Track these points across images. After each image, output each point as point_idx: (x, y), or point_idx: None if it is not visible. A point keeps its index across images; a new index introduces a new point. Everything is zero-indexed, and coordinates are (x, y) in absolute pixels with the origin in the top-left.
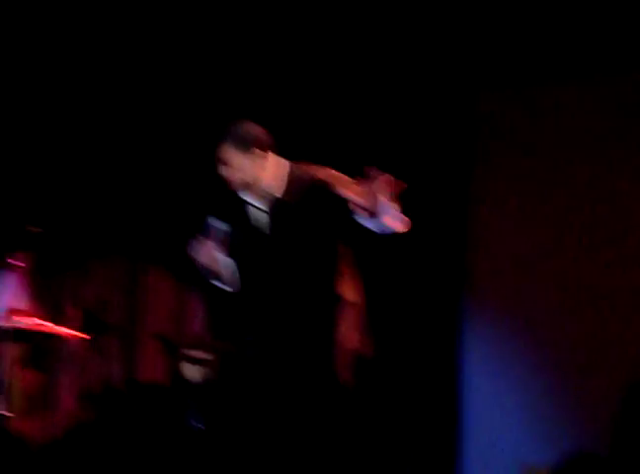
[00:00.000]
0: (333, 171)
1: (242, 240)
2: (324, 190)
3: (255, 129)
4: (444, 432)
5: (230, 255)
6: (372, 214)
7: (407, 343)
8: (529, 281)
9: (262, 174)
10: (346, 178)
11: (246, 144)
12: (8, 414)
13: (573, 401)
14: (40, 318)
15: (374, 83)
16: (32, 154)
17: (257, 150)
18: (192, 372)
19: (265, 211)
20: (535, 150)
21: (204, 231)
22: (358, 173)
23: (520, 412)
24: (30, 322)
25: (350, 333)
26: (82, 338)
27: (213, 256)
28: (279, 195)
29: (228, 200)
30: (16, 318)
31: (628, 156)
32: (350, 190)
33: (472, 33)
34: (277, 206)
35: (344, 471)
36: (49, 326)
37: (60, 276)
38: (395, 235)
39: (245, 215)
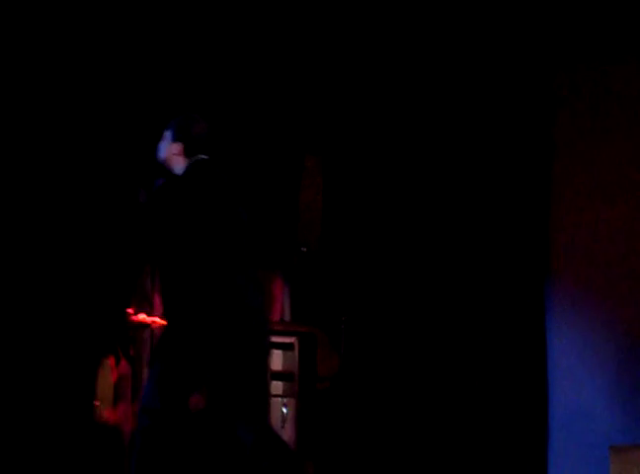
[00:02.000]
0: None
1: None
2: None
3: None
4: (534, 417)
5: None
6: None
7: (495, 328)
8: (613, 267)
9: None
10: None
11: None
12: (95, 403)
13: None
14: (130, 308)
15: (445, 70)
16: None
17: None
18: (277, 358)
19: None
20: (617, 133)
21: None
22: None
23: (609, 393)
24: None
25: None
26: None
27: None
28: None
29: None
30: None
31: None
32: None
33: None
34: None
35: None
36: (139, 316)
37: (147, 266)
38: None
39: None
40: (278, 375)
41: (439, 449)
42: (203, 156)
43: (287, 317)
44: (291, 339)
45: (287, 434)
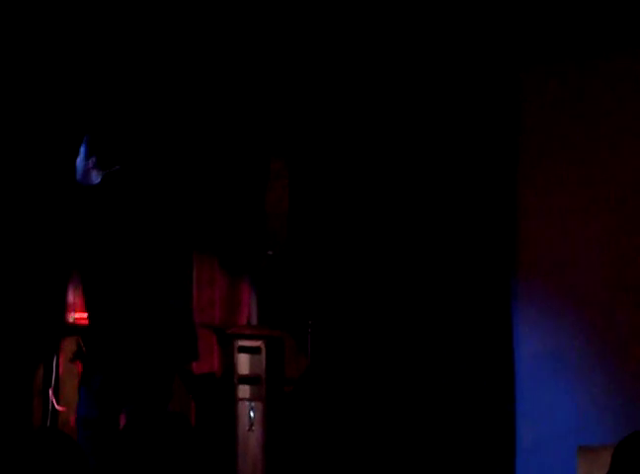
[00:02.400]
0: None
1: None
2: None
3: None
4: (501, 416)
5: None
6: None
7: (463, 328)
8: (580, 266)
9: None
10: None
11: None
12: (59, 408)
13: (632, 383)
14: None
15: (411, 67)
16: None
17: None
18: (244, 362)
19: None
20: (584, 132)
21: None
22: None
23: (577, 396)
24: (77, 316)
25: None
26: None
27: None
28: None
29: None
30: (71, 313)
31: None
32: None
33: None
34: None
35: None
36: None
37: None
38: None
39: None
40: (245, 379)
41: (407, 450)
42: (117, 167)
43: (254, 320)
44: (258, 342)
45: (255, 437)
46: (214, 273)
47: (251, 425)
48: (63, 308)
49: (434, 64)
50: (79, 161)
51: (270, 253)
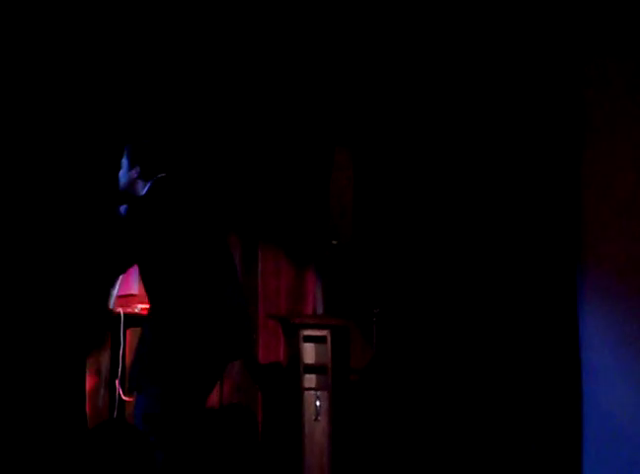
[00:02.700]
0: None
1: None
2: None
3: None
4: (567, 413)
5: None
6: None
7: (527, 321)
8: None
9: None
10: None
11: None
12: (126, 398)
13: None
14: None
15: (478, 59)
16: None
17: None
18: (310, 351)
19: None
20: None
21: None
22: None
23: None
24: (142, 307)
25: None
26: None
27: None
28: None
29: None
30: (129, 304)
31: None
32: None
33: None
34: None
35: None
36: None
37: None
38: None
39: None
40: (311, 368)
41: (469, 443)
42: (162, 174)
43: (320, 310)
44: (324, 332)
45: (321, 426)
46: (280, 263)
47: (317, 414)
48: (105, 299)
49: (497, 59)
50: (122, 173)
51: (334, 243)
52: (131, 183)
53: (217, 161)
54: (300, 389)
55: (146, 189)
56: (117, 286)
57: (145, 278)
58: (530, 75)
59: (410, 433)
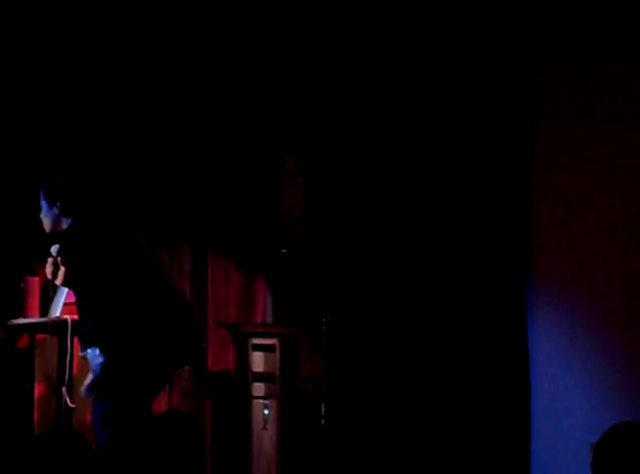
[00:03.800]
0: None
1: None
2: None
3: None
4: (516, 417)
5: None
6: None
7: (477, 327)
8: (593, 266)
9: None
10: None
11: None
12: (72, 405)
13: None
14: None
15: (425, 69)
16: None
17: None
18: (259, 360)
19: None
20: (598, 134)
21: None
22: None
23: (592, 394)
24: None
25: None
26: None
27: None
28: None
29: None
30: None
31: None
32: None
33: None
34: None
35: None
36: None
37: None
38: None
39: None
40: (259, 377)
41: (422, 450)
42: (82, 208)
43: (269, 318)
44: (273, 340)
45: (269, 435)
46: (229, 271)
47: (265, 423)
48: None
49: (448, 66)
50: (44, 214)
51: (284, 251)
52: (56, 221)
53: (166, 169)
54: (249, 397)
55: (69, 223)
56: (64, 294)
57: (82, 299)
58: (480, 81)
59: (360, 438)
